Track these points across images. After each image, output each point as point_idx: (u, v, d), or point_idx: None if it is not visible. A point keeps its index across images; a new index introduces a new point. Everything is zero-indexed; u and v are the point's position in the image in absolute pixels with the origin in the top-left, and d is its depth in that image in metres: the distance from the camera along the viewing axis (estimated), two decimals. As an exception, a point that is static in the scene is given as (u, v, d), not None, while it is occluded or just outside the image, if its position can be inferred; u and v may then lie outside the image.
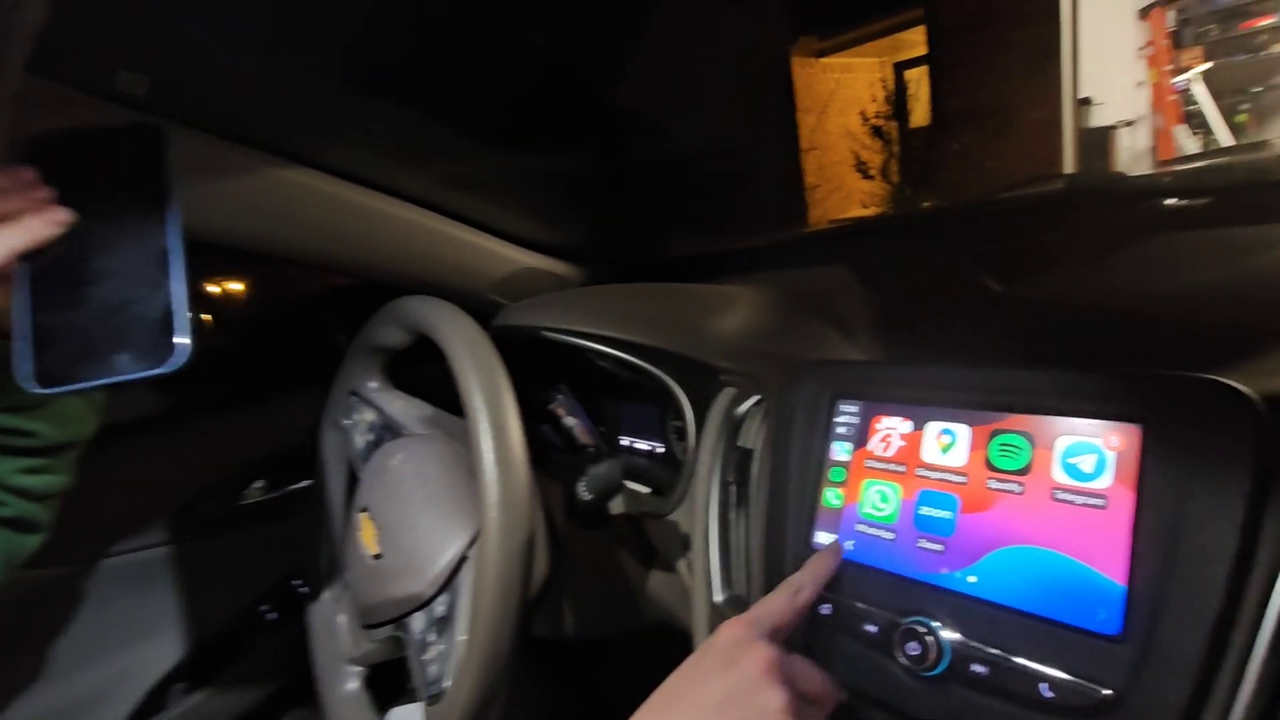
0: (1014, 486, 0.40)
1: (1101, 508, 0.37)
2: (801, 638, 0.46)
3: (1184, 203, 0.59)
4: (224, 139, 0.62)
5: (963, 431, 0.43)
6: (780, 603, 0.41)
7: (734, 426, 0.61)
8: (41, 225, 0.39)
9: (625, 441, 0.88)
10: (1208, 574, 0.32)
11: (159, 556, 0.84)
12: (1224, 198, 0.56)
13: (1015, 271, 0.65)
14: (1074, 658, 0.35)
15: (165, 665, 0.82)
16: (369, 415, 0.72)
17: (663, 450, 0.82)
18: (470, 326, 0.56)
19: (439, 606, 0.56)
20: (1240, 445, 0.33)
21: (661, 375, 0.66)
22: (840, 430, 0.49)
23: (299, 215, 0.71)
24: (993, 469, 0.41)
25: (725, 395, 0.63)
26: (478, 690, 0.48)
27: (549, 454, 0.89)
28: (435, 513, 0.59)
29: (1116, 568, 0.36)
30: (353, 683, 0.67)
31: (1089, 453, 0.38)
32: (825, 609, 0.45)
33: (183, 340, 0.39)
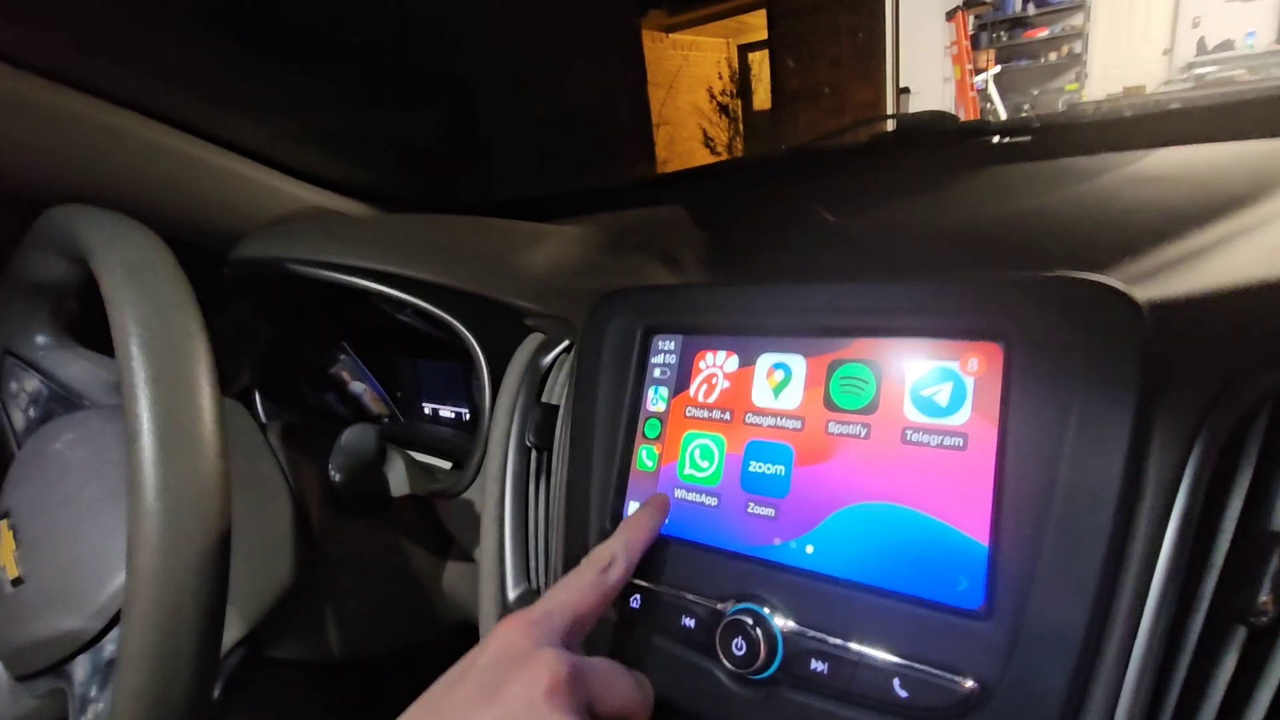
0: (858, 429, 0.32)
1: (960, 449, 0.29)
2: (606, 639, 0.36)
3: (1007, 140, 0.60)
4: None
5: (797, 365, 0.34)
6: (581, 587, 0.30)
7: (539, 379, 0.49)
8: None
9: (428, 409, 0.73)
10: (1087, 525, 0.25)
11: None
12: (1041, 135, 0.57)
13: (853, 204, 0.60)
14: (931, 642, 0.27)
15: None
16: (31, 383, 0.51)
17: (469, 416, 0.69)
18: (141, 240, 0.39)
19: (108, 646, 0.40)
20: (1123, 360, 0.26)
21: (449, 318, 0.52)
22: (656, 373, 0.39)
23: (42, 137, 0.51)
24: (833, 409, 0.33)
25: (530, 342, 0.51)
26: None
27: (328, 430, 0.72)
28: (109, 517, 0.42)
29: (978, 524, 0.28)
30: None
31: (943, 381, 0.30)
32: (634, 601, 0.35)
33: None
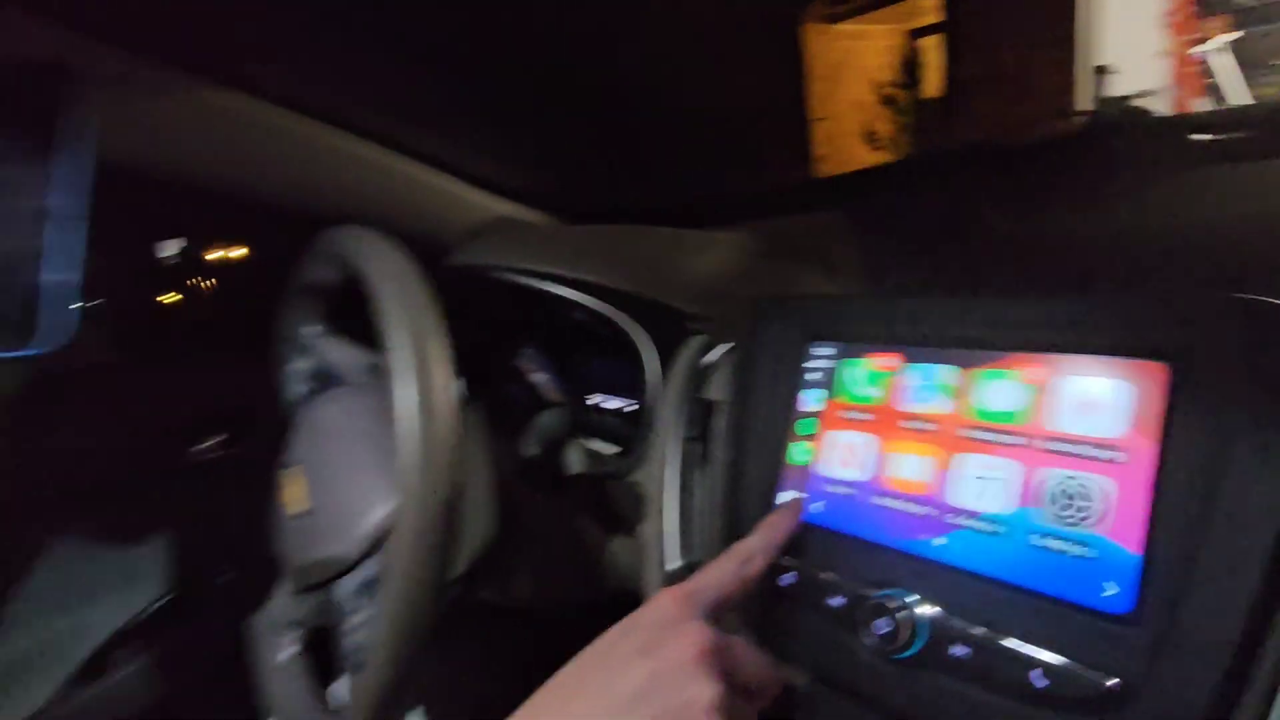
0: (1008, 439, 0.34)
1: (1116, 462, 0.30)
2: (759, 611, 0.40)
3: (1214, 137, 0.53)
4: (169, 65, 0.55)
5: (949, 374, 0.37)
6: (725, 573, 0.35)
7: (700, 377, 0.54)
8: None
9: (596, 399, 0.82)
10: (1246, 541, 0.26)
11: (103, 517, 0.79)
12: (1263, 131, 0.50)
13: (1027, 209, 0.58)
14: (1074, 640, 0.29)
15: (106, 629, 0.78)
16: (305, 363, 0.65)
17: (636, 408, 0.76)
18: (398, 257, 0.49)
19: (368, 568, 0.51)
20: (1295, 382, 0.26)
21: (620, 318, 0.59)
22: (811, 376, 0.43)
23: (241, 147, 0.65)
24: (985, 417, 0.35)
25: (694, 343, 0.57)
26: (394, 660, 0.42)
27: (512, 413, 0.83)
28: (366, 470, 0.53)
29: (1131, 534, 0.29)
30: (288, 650, 0.62)
31: (1102, 397, 0.31)
32: (787, 579, 0.39)
33: (52, 324, 0.33)
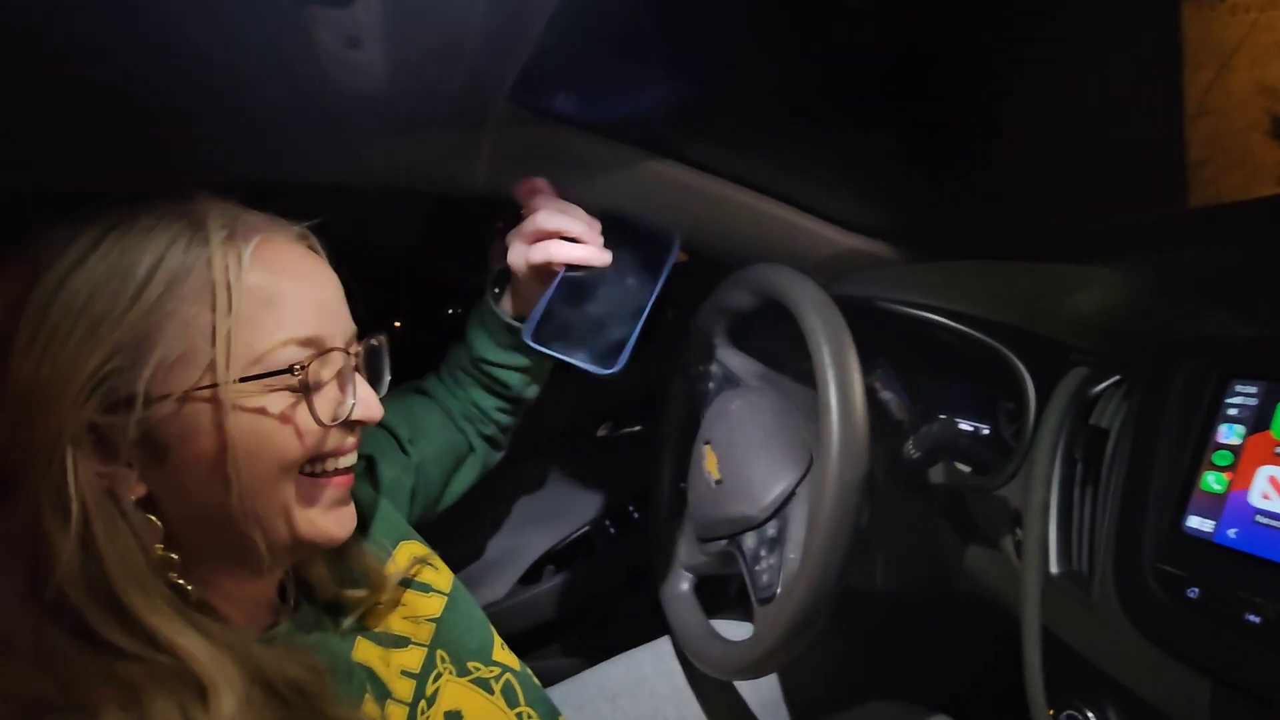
0: None
1: None
2: (1167, 618, 0.44)
3: None
4: (594, 133, 0.70)
5: None
6: None
7: (1085, 405, 0.59)
8: (594, 256, 0.62)
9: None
10: None
11: (545, 468, 1.09)
12: None
13: None
14: None
15: (542, 548, 1.07)
16: (713, 367, 0.84)
17: (987, 431, 0.81)
18: (817, 291, 0.63)
19: (770, 529, 0.66)
20: None
21: (1004, 350, 0.65)
22: (1231, 412, 0.45)
23: (654, 199, 0.84)
24: None
25: (1076, 374, 0.61)
26: (807, 597, 0.56)
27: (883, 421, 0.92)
28: (768, 452, 0.69)
29: None
30: (685, 584, 0.81)
31: None
32: (1192, 592, 0.43)
33: (622, 362, 0.59)
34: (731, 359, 0.82)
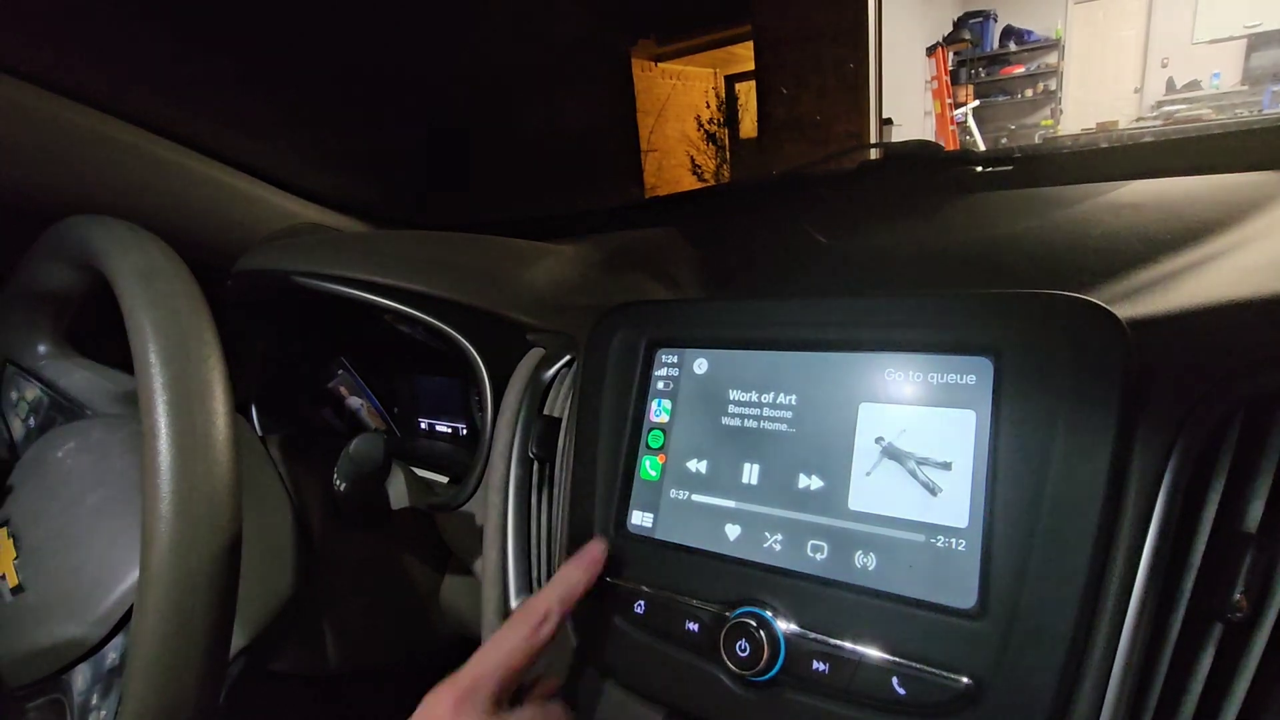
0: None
1: (948, 460, 0.31)
2: (609, 645, 0.36)
3: (990, 169, 0.62)
4: None
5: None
6: (512, 647, 0.30)
7: (541, 392, 0.50)
8: None
9: (425, 424, 0.74)
10: (1074, 529, 0.27)
11: None
12: (1022, 164, 0.59)
13: (841, 227, 0.62)
14: (928, 641, 0.29)
15: None
16: (33, 392, 0.51)
17: (466, 431, 0.70)
18: (153, 250, 0.39)
19: (110, 655, 0.39)
20: (1107, 373, 0.28)
21: (452, 332, 0.53)
22: (660, 385, 0.40)
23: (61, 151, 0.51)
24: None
25: (531, 356, 0.52)
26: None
27: (324, 443, 0.72)
28: (112, 524, 0.42)
29: (971, 528, 0.29)
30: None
31: (936, 393, 0.32)
32: (639, 607, 0.36)
33: None
34: (66, 374, 0.51)
